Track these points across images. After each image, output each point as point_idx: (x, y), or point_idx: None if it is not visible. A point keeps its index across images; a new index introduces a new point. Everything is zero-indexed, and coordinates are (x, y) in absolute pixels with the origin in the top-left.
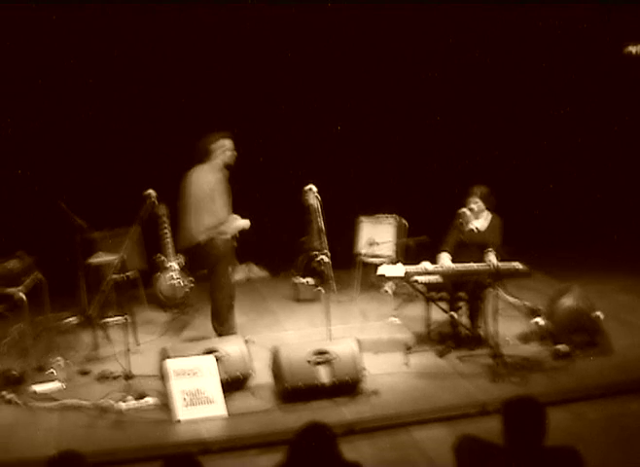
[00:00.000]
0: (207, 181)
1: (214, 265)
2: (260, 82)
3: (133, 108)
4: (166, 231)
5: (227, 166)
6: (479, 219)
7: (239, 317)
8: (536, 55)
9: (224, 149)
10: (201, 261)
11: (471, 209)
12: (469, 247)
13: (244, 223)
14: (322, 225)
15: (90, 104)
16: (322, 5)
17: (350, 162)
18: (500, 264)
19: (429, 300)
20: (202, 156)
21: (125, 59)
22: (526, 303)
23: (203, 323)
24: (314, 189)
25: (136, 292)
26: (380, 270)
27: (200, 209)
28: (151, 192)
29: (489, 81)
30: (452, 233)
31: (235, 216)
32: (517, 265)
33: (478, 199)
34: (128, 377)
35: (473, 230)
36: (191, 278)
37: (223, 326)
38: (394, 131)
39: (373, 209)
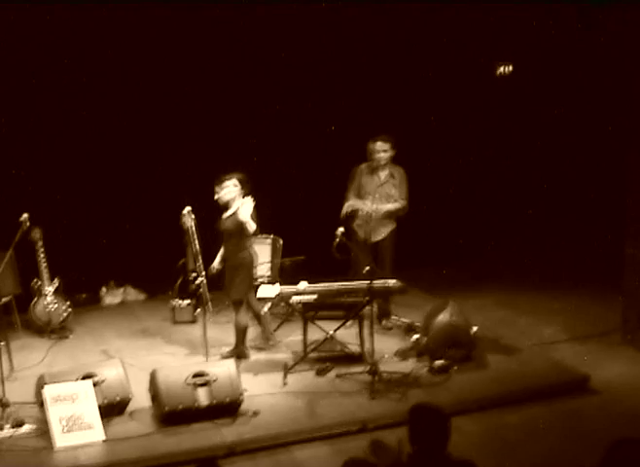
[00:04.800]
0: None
1: None
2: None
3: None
4: (42, 255)
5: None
6: None
7: (116, 341)
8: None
9: (370, 151)
10: None
11: None
12: None
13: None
14: (197, 247)
15: None
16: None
17: None
18: (376, 281)
19: (306, 319)
20: None
21: None
22: (403, 319)
23: (81, 348)
24: (189, 211)
25: (11, 317)
26: (259, 292)
27: None
28: (26, 216)
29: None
30: None
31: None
32: (393, 282)
33: None
34: (5, 404)
35: None
36: (68, 303)
37: None
38: (268, 152)
39: None
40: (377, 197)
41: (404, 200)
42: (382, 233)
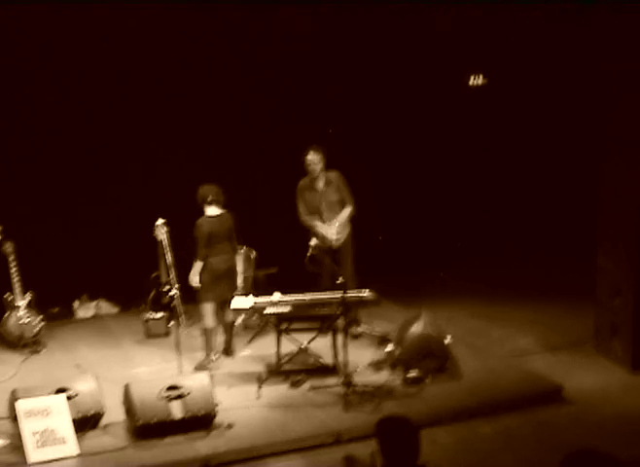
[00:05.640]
0: None
1: None
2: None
3: None
4: (14, 268)
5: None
6: None
7: (89, 354)
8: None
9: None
10: None
11: None
12: None
13: (321, 229)
14: (171, 259)
15: None
16: None
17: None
18: (348, 293)
19: (280, 331)
20: None
21: None
22: (376, 330)
23: (54, 362)
24: (163, 223)
25: None
26: (233, 304)
27: None
28: None
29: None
30: None
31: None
32: (366, 293)
33: None
34: None
35: None
36: (40, 317)
37: None
38: (241, 164)
39: None
40: (325, 209)
41: (350, 203)
42: (341, 237)
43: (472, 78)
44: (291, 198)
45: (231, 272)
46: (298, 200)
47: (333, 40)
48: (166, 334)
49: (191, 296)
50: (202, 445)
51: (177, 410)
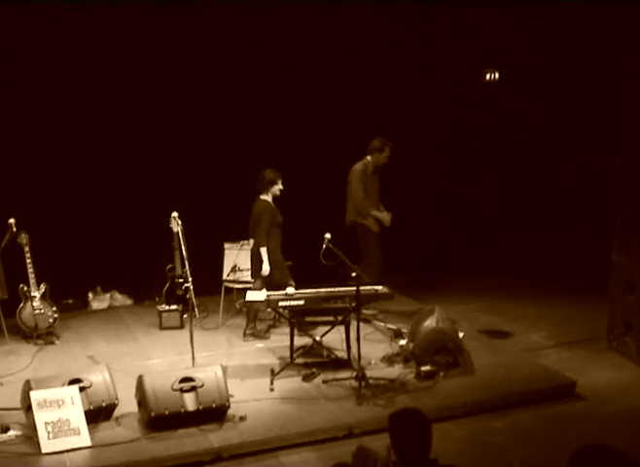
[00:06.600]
0: (354, 170)
1: (362, 238)
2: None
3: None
4: (29, 260)
5: (377, 167)
6: None
7: (103, 346)
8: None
9: (378, 153)
10: (356, 234)
11: None
12: None
13: (381, 215)
14: (184, 252)
15: None
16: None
17: (214, 189)
18: (362, 287)
19: (293, 324)
20: (367, 152)
21: None
22: (389, 325)
23: (68, 353)
24: (177, 215)
25: None
26: (247, 296)
27: (350, 193)
28: (12, 221)
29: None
30: None
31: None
32: (380, 288)
33: None
34: None
35: None
36: (55, 308)
37: None
38: (254, 159)
39: (237, 236)
40: (377, 196)
41: None
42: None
43: (487, 74)
44: (305, 191)
45: (251, 259)
46: (360, 183)
47: (348, 39)
48: (180, 326)
49: (205, 288)
50: (215, 437)
51: (190, 402)
